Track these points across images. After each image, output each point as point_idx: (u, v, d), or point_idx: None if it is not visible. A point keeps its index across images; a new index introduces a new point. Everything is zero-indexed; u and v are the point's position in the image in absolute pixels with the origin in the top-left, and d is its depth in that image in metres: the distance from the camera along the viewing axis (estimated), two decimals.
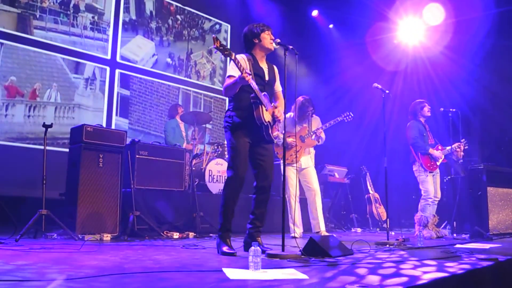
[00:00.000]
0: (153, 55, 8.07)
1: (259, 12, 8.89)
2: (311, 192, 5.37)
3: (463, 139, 5.98)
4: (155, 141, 5.86)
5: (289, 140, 5.07)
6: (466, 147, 5.95)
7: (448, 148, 5.89)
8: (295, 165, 5.17)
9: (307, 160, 5.37)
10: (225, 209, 3.39)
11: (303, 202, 6.18)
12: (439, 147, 5.86)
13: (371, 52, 8.96)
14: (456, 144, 5.90)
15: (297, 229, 5.23)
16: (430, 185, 5.74)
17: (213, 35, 3.06)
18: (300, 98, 5.33)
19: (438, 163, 5.80)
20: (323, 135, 5.39)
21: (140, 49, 7.92)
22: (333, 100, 8.84)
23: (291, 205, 5.21)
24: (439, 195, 5.86)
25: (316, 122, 5.43)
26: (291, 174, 5.22)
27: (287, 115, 5.27)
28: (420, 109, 5.94)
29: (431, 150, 5.75)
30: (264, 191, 3.51)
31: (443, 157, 5.84)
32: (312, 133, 5.27)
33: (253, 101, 3.35)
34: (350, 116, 5.44)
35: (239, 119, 3.41)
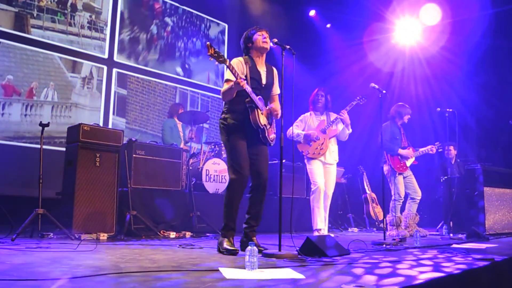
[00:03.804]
0: None
1: (256, 12, 8.88)
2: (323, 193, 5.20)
3: (437, 142, 6.08)
4: (152, 141, 5.85)
5: (313, 134, 5.05)
6: (440, 150, 6.08)
7: (421, 149, 5.97)
8: (322, 158, 5.11)
9: (331, 156, 5.22)
10: (229, 209, 3.38)
11: (302, 202, 6.17)
12: (411, 149, 5.91)
13: (368, 52, 8.98)
14: (428, 147, 5.98)
15: (321, 224, 5.00)
16: (401, 186, 5.80)
17: (207, 42, 3.08)
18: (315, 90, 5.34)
19: (408, 164, 5.86)
20: (347, 119, 5.16)
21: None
22: (330, 100, 8.83)
23: (317, 198, 4.98)
24: (419, 193, 5.91)
25: (332, 115, 5.30)
26: (317, 166, 5.07)
27: (306, 114, 5.28)
28: (403, 115, 5.98)
29: (400, 151, 5.82)
30: (258, 190, 3.50)
31: (413, 158, 5.91)
32: (331, 122, 5.20)
33: (248, 105, 3.37)
34: (363, 99, 5.36)
35: (234, 121, 3.43)
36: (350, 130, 5.25)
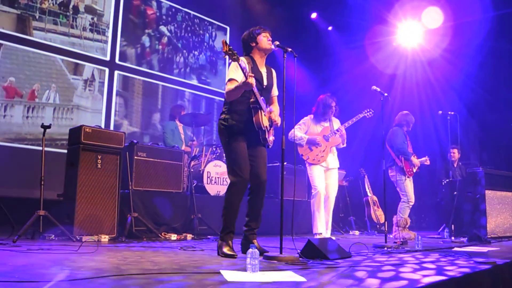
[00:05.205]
0: None
1: (258, 14, 8.88)
2: (326, 197, 5.14)
3: (426, 156, 6.29)
4: (154, 143, 5.86)
5: (318, 138, 5.05)
6: (427, 163, 6.29)
7: (422, 159, 6.20)
8: (323, 163, 5.10)
9: (333, 161, 5.22)
10: (228, 211, 3.37)
11: (304, 204, 6.15)
12: (415, 157, 6.12)
13: (370, 55, 8.97)
14: (423, 159, 6.22)
15: (321, 228, 5.02)
16: (410, 189, 5.96)
17: (223, 39, 3.08)
18: (323, 96, 5.30)
19: (414, 170, 6.05)
20: (344, 135, 5.17)
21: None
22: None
23: (318, 202, 4.97)
24: (413, 199, 6.03)
25: (336, 123, 5.30)
26: (318, 171, 5.05)
27: (307, 117, 5.26)
28: (410, 122, 6.18)
29: (412, 157, 6.01)
30: (258, 192, 3.48)
31: (419, 165, 6.13)
32: (335, 132, 5.17)
33: (252, 106, 3.35)
34: (371, 113, 5.35)
35: (235, 122, 3.40)
36: (344, 145, 5.23)
